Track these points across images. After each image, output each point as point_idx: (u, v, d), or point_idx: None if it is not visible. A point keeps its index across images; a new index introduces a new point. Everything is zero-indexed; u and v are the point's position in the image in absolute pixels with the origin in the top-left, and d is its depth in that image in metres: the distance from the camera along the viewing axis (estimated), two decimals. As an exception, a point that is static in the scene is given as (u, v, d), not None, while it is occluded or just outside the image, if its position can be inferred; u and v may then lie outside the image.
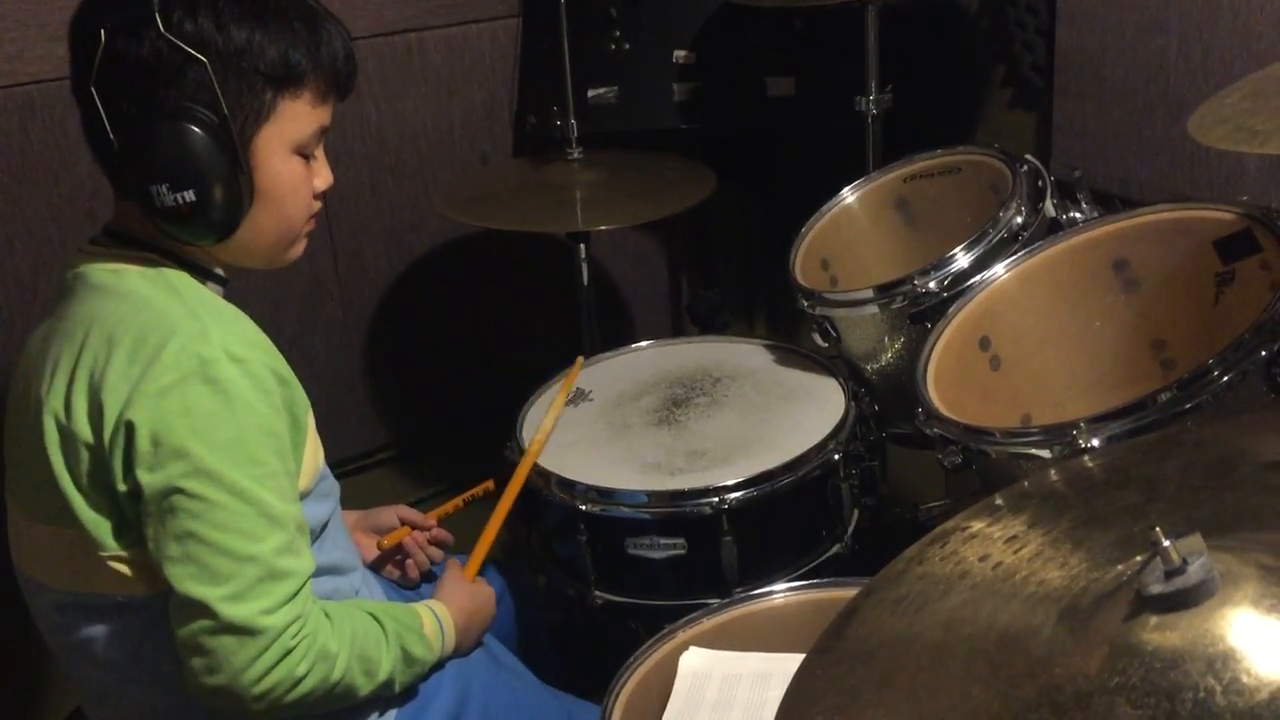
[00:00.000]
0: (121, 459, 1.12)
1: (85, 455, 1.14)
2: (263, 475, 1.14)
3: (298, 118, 1.21)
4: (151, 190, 1.14)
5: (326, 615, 1.20)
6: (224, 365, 1.13)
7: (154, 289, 1.18)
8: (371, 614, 1.27)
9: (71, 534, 1.18)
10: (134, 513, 1.14)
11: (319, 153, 1.27)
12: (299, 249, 1.30)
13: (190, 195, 1.14)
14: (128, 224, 1.23)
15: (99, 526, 1.16)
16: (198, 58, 1.12)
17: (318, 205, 1.28)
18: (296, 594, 1.15)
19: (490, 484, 1.70)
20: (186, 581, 1.11)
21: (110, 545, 1.17)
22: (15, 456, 1.25)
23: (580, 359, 1.92)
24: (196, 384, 1.11)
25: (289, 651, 1.14)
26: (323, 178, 1.28)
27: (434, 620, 1.36)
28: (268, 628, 1.12)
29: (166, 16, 1.12)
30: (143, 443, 1.10)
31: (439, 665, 1.38)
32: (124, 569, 1.18)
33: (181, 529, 1.11)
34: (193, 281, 1.22)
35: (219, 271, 1.27)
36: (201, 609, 1.11)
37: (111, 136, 1.14)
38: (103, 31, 1.13)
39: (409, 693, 1.36)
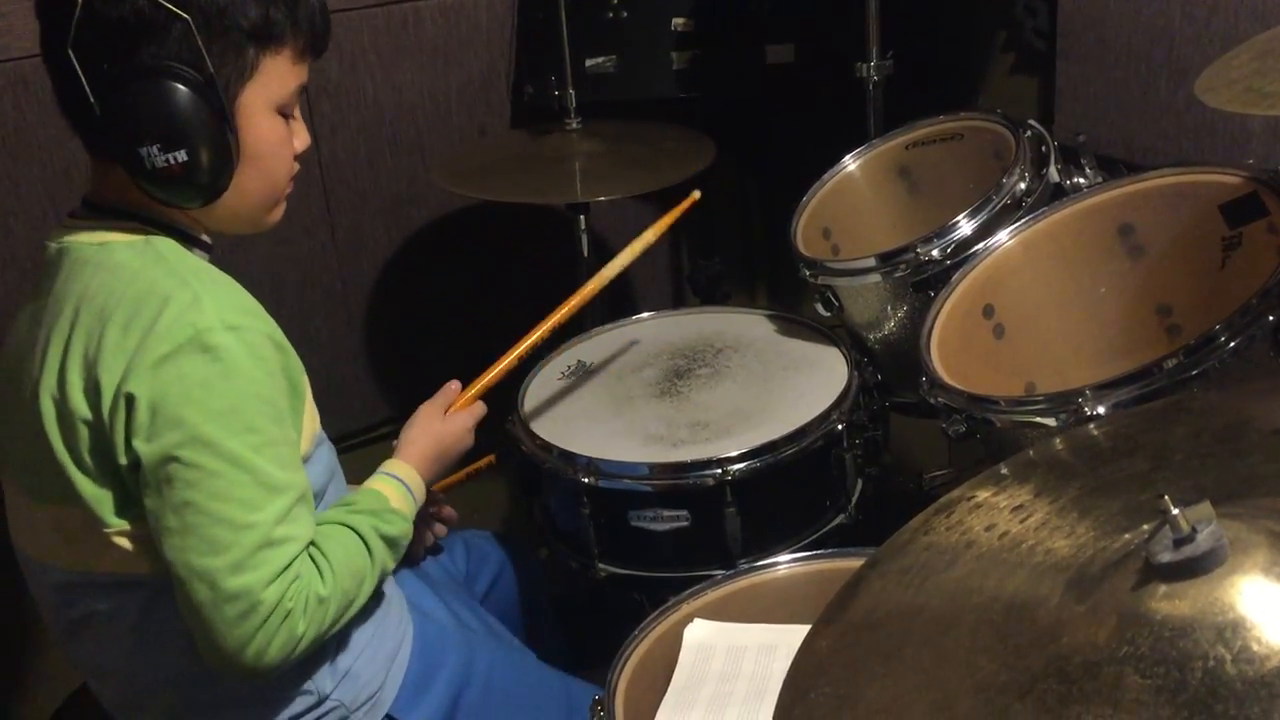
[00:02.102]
0: (122, 432, 1.11)
1: (85, 432, 1.13)
2: (260, 443, 1.13)
3: (280, 76, 1.20)
4: (142, 153, 1.12)
5: (313, 560, 1.18)
6: (219, 333, 1.12)
7: (142, 260, 1.17)
8: (344, 524, 1.26)
9: (74, 513, 1.17)
10: (136, 487, 1.14)
11: (296, 113, 1.26)
12: (279, 212, 1.29)
13: (182, 155, 1.13)
14: (107, 193, 1.21)
15: (101, 503, 1.15)
16: (180, 15, 1.11)
17: (297, 167, 1.28)
18: (294, 559, 1.15)
19: (492, 458, 1.70)
20: (186, 554, 1.11)
21: (113, 522, 1.16)
22: (11, 438, 1.24)
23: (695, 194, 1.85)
24: (192, 353, 1.11)
25: (288, 615, 1.13)
26: (301, 138, 1.27)
27: (398, 486, 1.36)
28: (266, 598, 1.12)
29: None
30: (141, 414, 1.10)
31: None
32: (126, 545, 1.17)
33: (179, 499, 1.11)
34: (180, 248, 1.21)
35: (204, 238, 1.25)
36: (202, 581, 1.11)
37: (92, 100, 1.12)
38: None
39: (412, 669, 1.36)
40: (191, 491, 1.10)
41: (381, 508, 1.30)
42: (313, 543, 1.19)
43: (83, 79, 1.11)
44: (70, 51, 1.11)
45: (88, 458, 1.14)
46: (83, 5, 1.10)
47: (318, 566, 1.18)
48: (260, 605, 1.12)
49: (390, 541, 1.29)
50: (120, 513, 1.16)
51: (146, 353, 1.10)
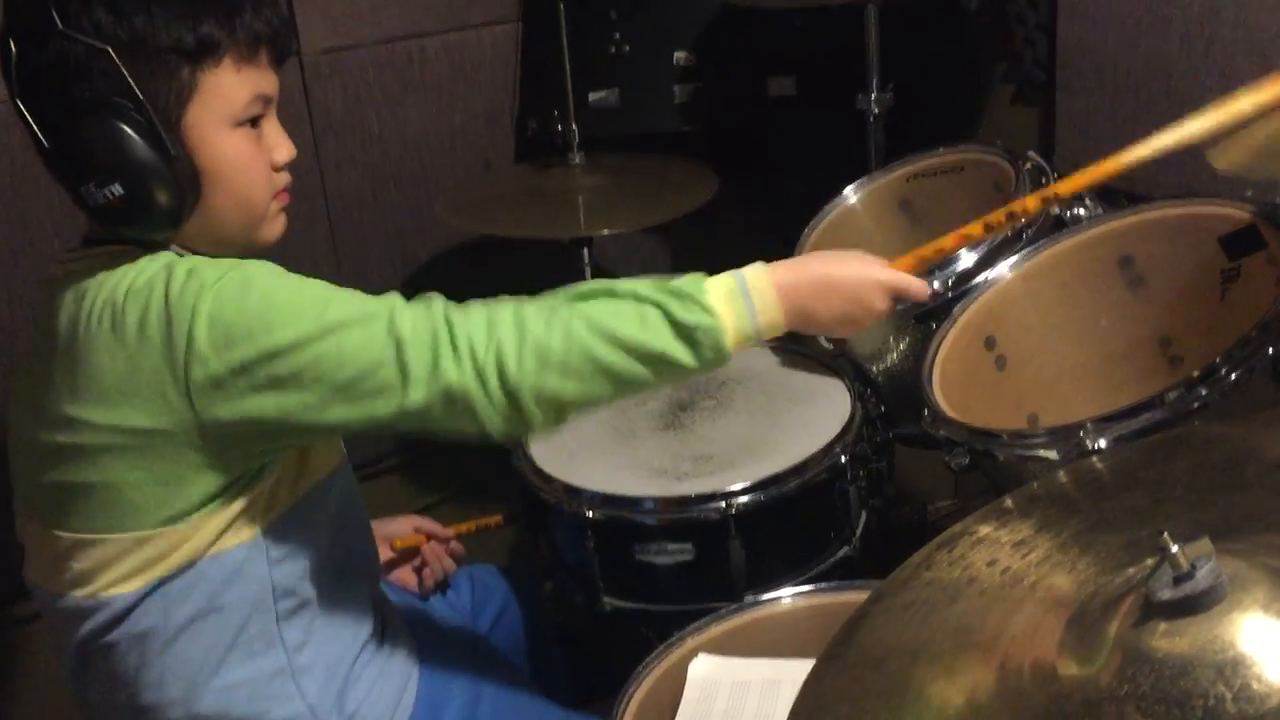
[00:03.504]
0: (200, 377, 1.09)
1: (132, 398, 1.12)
2: (324, 296, 1.13)
3: (225, 90, 1.16)
4: (82, 191, 1.13)
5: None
6: (229, 265, 1.12)
7: (136, 267, 1.16)
8: (608, 289, 1.16)
9: (88, 538, 1.17)
10: (215, 433, 1.12)
11: (271, 125, 1.22)
12: (275, 228, 1.26)
13: (118, 189, 1.12)
14: (99, 227, 1.21)
15: (133, 489, 1.15)
16: (101, 48, 1.10)
17: (283, 178, 1.24)
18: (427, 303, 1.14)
19: (500, 518, 1.69)
20: (372, 400, 1.11)
21: (148, 515, 1.16)
22: (28, 469, 1.24)
23: None
24: (229, 279, 1.10)
25: (448, 320, 1.13)
26: (282, 149, 1.23)
27: (728, 281, 1.17)
28: (443, 321, 1.12)
29: (64, 14, 1.10)
30: (214, 363, 1.09)
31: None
32: (122, 564, 1.17)
33: (315, 396, 1.10)
34: None
35: None
36: (402, 414, 1.11)
37: (45, 144, 1.13)
38: (11, 41, 1.11)
39: (419, 708, 1.36)
40: (320, 385, 1.09)
41: (687, 289, 1.14)
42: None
43: (32, 124, 1.12)
44: (16, 100, 1.12)
45: (136, 455, 1.13)
46: (16, 54, 1.11)
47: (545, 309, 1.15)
48: (446, 332, 1.11)
49: (678, 327, 1.12)
50: (151, 503, 1.15)
51: (176, 328, 1.09)
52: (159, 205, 1.14)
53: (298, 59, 2.29)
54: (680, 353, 1.13)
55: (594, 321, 1.13)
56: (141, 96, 1.11)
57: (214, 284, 1.10)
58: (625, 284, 1.17)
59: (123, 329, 1.11)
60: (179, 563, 1.17)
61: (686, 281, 1.16)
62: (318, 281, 1.15)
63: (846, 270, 1.24)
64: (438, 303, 1.16)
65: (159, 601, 1.19)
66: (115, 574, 1.18)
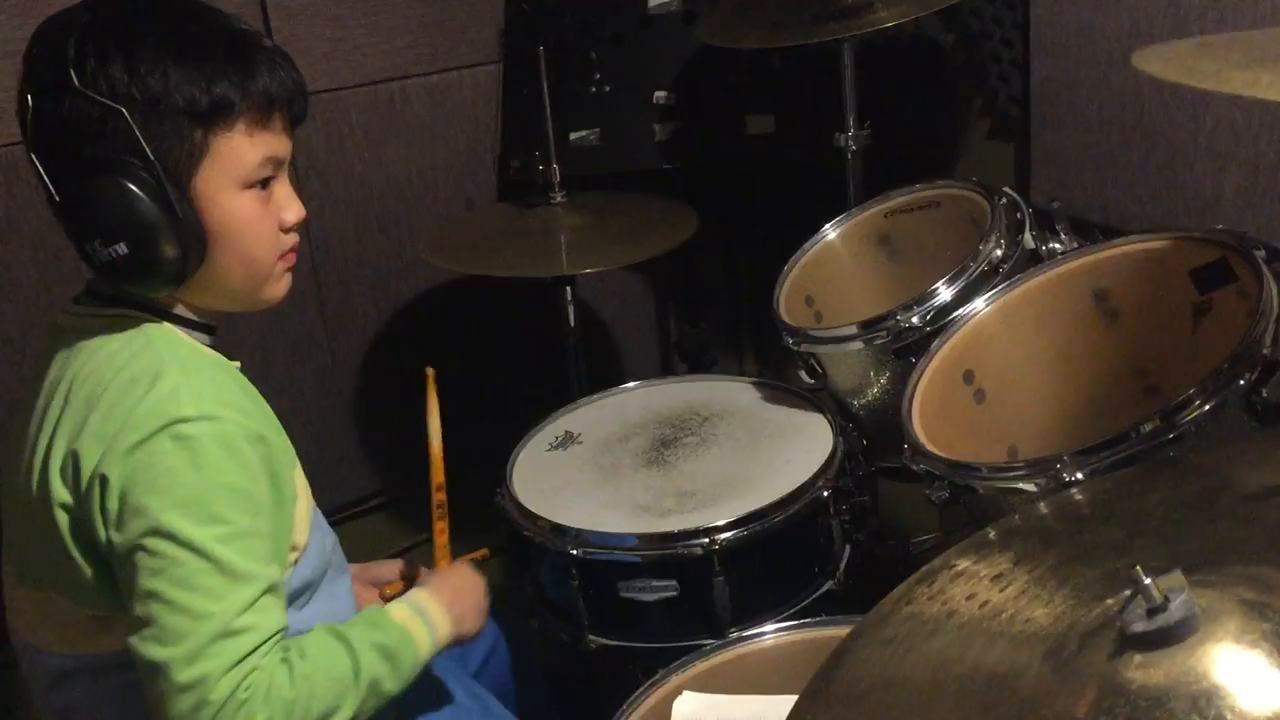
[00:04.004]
0: (99, 518, 1.12)
1: (65, 517, 1.14)
2: (227, 534, 1.12)
3: (236, 152, 1.17)
4: (88, 248, 1.14)
5: (286, 658, 1.17)
6: (193, 423, 1.12)
7: (130, 348, 1.18)
8: (330, 631, 1.24)
9: (59, 598, 1.18)
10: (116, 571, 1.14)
11: (281, 186, 1.23)
12: (280, 287, 1.27)
13: (122, 248, 1.13)
14: (103, 280, 1.23)
15: (87, 588, 1.16)
16: (115, 108, 1.11)
17: (291, 239, 1.25)
18: (255, 649, 1.13)
19: (487, 551, 1.69)
20: (146, 644, 1.10)
21: (99, 606, 1.16)
22: (11, 522, 1.24)
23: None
24: (163, 440, 1.11)
25: (242, 705, 1.11)
26: (292, 211, 1.24)
27: (404, 607, 1.31)
28: (219, 689, 1.10)
29: (80, 72, 1.11)
30: (112, 500, 1.10)
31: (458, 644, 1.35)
32: (113, 628, 1.17)
33: (145, 588, 1.10)
34: (175, 334, 1.21)
35: (203, 320, 1.25)
36: (158, 672, 1.10)
37: (56, 198, 1.14)
38: (29, 96, 1.13)
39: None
40: (155, 580, 1.10)
41: (377, 618, 1.28)
42: (293, 645, 1.18)
43: (44, 177, 1.14)
44: (31, 153, 1.13)
45: (71, 542, 1.14)
46: (32, 109, 1.13)
47: (289, 663, 1.16)
48: (211, 698, 1.09)
49: (385, 651, 1.24)
50: (106, 596, 1.16)
51: (122, 439, 1.11)
52: (162, 266, 1.15)
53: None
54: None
55: None
56: (152, 157, 1.12)
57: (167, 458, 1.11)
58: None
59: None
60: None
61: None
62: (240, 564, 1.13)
63: (455, 583, 1.41)
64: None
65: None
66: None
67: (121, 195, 1.12)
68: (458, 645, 1.37)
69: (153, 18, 1.16)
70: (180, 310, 1.23)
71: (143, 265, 1.14)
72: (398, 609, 1.30)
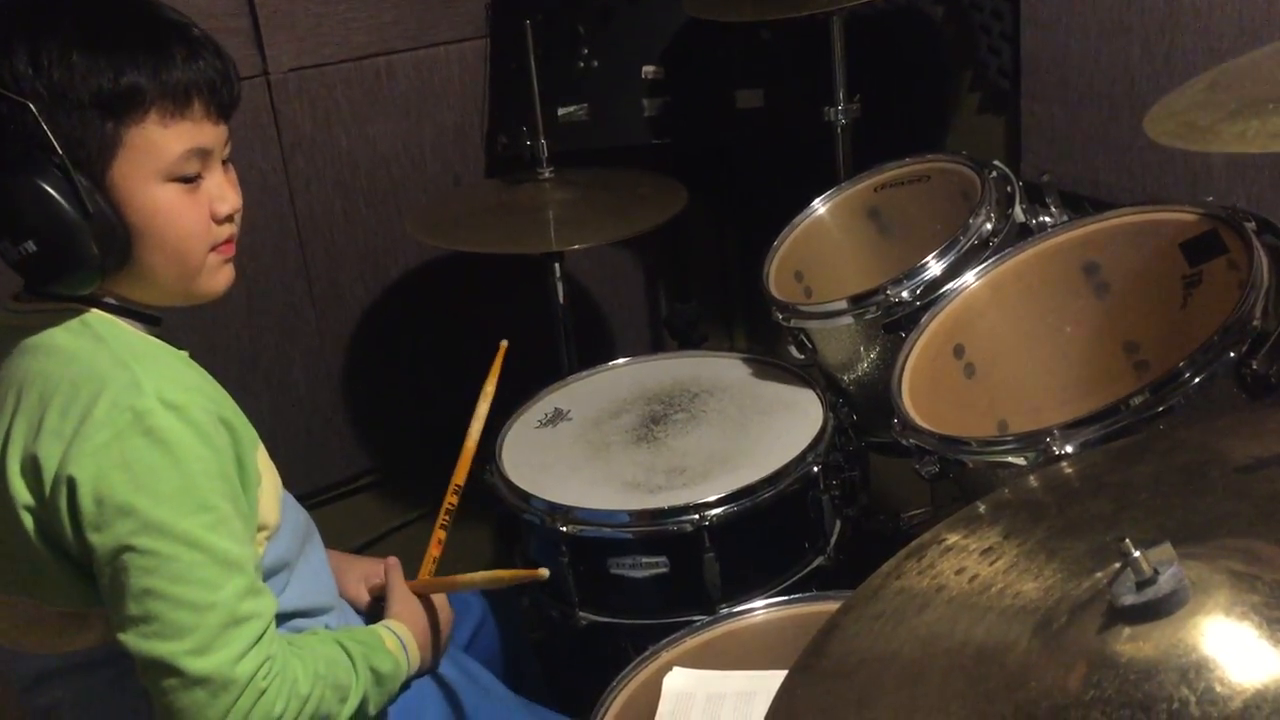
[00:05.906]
0: (67, 519, 1.09)
1: (29, 518, 1.12)
2: (215, 521, 1.11)
3: (152, 144, 1.13)
4: (1, 246, 1.12)
5: (294, 651, 1.18)
6: (160, 414, 1.10)
7: (79, 340, 1.15)
8: (335, 641, 1.26)
9: (27, 601, 1.17)
10: (90, 568, 1.12)
11: (214, 176, 1.19)
12: (217, 280, 1.22)
13: (31, 245, 1.10)
14: None
15: (55, 587, 1.15)
16: (21, 102, 1.08)
17: (225, 230, 1.21)
18: (262, 635, 1.13)
19: (545, 572, 1.64)
20: (150, 641, 1.09)
21: (70, 605, 1.16)
22: None
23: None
24: (134, 437, 1.09)
25: (262, 693, 1.12)
26: (226, 201, 1.19)
27: (393, 636, 1.34)
28: (238, 676, 1.10)
29: None
30: (86, 502, 1.08)
31: (406, 685, 1.35)
32: (87, 624, 1.17)
33: (139, 587, 1.09)
34: (120, 325, 1.18)
35: (145, 311, 1.21)
36: (167, 668, 1.09)
37: None
38: None
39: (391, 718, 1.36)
40: (150, 578, 1.08)
41: (377, 644, 1.29)
42: (303, 644, 1.19)
43: None
44: None
45: (37, 543, 1.12)
46: None
47: (301, 659, 1.17)
48: (232, 683, 1.10)
49: (378, 677, 1.26)
50: (79, 594, 1.15)
51: (86, 438, 1.08)
52: (75, 262, 1.11)
53: (264, 78, 2.29)
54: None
55: None
56: (60, 151, 1.08)
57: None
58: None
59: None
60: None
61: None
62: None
63: (429, 623, 1.41)
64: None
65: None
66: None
67: (27, 192, 1.08)
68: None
69: (67, 8, 1.12)
70: (123, 302, 1.20)
71: (55, 262, 1.11)
72: (389, 638, 1.32)
